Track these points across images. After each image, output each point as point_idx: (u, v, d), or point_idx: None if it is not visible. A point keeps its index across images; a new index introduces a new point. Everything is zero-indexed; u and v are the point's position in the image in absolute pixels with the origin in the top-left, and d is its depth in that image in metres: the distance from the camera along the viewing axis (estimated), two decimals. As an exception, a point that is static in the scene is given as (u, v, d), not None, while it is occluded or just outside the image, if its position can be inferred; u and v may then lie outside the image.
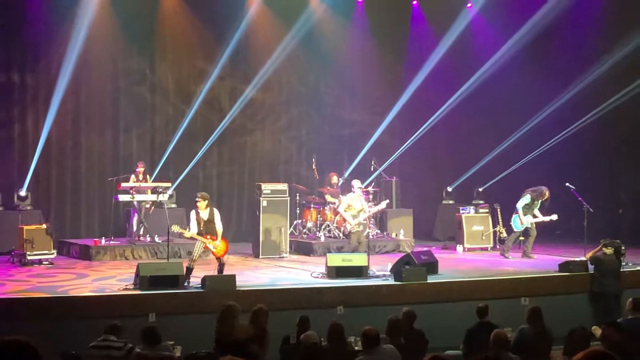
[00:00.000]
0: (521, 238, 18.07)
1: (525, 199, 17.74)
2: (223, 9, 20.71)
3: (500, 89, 21.74)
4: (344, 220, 16.51)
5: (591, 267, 14.95)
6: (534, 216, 17.82)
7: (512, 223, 17.94)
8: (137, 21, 20.22)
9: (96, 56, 19.94)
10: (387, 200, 17.21)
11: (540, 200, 17.79)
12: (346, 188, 20.09)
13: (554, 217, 17.76)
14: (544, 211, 17.85)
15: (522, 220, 17.71)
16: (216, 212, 14.35)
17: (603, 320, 10.75)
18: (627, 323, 10.41)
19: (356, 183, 16.73)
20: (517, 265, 16.80)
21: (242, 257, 18.10)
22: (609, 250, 14.64)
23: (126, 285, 13.39)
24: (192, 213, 14.20)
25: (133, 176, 18.15)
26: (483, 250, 19.47)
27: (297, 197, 19.88)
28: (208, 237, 14.06)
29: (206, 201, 14.22)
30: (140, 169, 18.22)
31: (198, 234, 14.02)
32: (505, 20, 21.60)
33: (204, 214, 14.13)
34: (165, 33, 20.89)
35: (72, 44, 18.89)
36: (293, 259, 18.01)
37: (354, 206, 16.40)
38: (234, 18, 20.66)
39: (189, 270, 13.81)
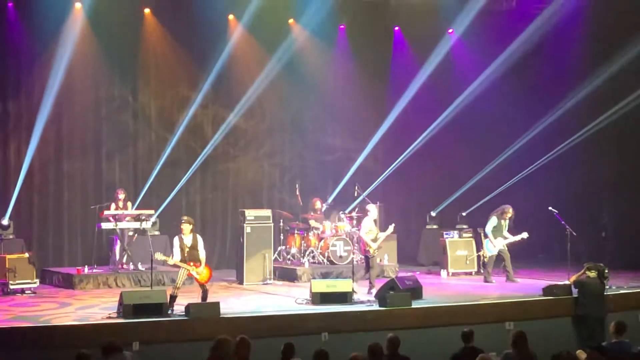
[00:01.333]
0: (503, 263, 18.09)
1: (492, 221, 17.94)
2: (205, 36, 20.72)
3: (482, 113, 21.85)
4: (366, 245, 16.29)
5: (575, 291, 14.96)
6: (505, 237, 17.97)
7: (485, 248, 18.06)
8: (119, 48, 20.22)
9: (78, 83, 19.92)
10: (393, 225, 17.11)
11: (506, 220, 17.98)
12: (330, 213, 20.17)
13: (524, 235, 17.92)
14: (513, 231, 17.98)
15: (494, 244, 17.84)
16: (199, 238, 14.31)
17: (587, 344, 10.78)
18: (612, 346, 10.44)
19: (372, 207, 16.69)
20: (501, 289, 16.81)
21: (226, 284, 18.04)
22: (592, 274, 14.67)
23: (109, 314, 13.31)
24: (176, 239, 14.16)
25: (113, 204, 18.10)
26: (467, 274, 19.47)
27: (281, 223, 19.83)
28: (191, 264, 14.01)
29: (191, 225, 14.20)
30: (121, 197, 18.15)
31: (181, 261, 13.97)
32: (486, 45, 21.70)
33: (188, 240, 14.10)
34: (148, 60, 20.91)
35: (54, 72, 18.89)
36: (277, 285, 17.96)
37: (372, 230, 16.37)
38: (216, 45, 20.70)
39: (173, 297, 13.75)
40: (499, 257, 18.02)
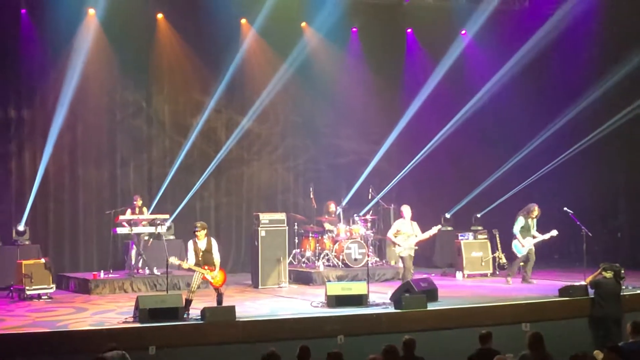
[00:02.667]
0: (521, 263, 18.03)
1: (519, 221, 17.83)
2: (218, 40, 20.81)
3: (496, 114, 21.84)
4: (394, 244, 16.62)
5: (591, 291, 14.91)
6: (534, 237, 17.84)
7: (513, 249, 17.94)
8: (132, 54, 20.29)
9: (92, 90, 20.00)
10: (439, 226, 17.16)
11: (533, 219, 17.86)
12: (345, 216, 20.17)
13: (554, 232, 17.79)
14: (541, 230, 17.88)
15: (522, 244, 17.72)
16: (214, 242, 14.32)
17: (604, 345, 10.72)
18: (629, 347, 10.39)
19: (405, 209, 16.72)
20: (517, 290, 16.76)
21: (241, 288, 18.06)
22: (608, 274, 14.62)
23: (125, 318, 13.34)
24: (190, 243, 14.17)
25: (129, 209, 18.17)
26: (483, 276, 19.42)
27: (296, 227, 19.86)
28: (206, 267, 14.02)
29: (205, 230, 14.19)
30: (137, 202, 18.24)
31: (196, 264, 13.98)
32: (499, 45, 21.71)
33: (202, 244, 14.11)
34: (161, 65, 20.96)
35: (68, 78, 18.98)
36: (292, 289, 17.97)
37: (403, 231, 16.43)
38: (229, 49, 20.77)
39: (188, 302, 13.76)
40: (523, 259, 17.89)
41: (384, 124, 22.53)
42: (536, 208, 17.83)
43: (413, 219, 16.73)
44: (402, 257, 16.54)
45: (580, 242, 17.06)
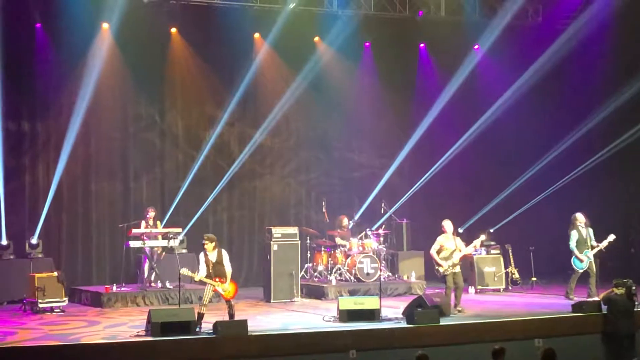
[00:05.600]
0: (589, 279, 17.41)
1: (572, 235, 17.40)
2: (231, 54, 20.91)
3: (509, 129, 21.82)
4: (437, 264, 15.92)
5: (604, 308, 14.86)
6: (592, 248, 17.36)
7: (573, 266, 17.42)
8: (146, 68, 20.34)
9: (106, 103, 20.08)
10: (483, 237, 16.79)
11: (584, 228, 17.41)
12: (357, 231, 20.17)
13: (611, 237, 17.31)
14: (598, 239, 17.45)
15: (580, 258, 17.30)
16: (224, 253, 14.30)
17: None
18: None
19: (446, 223, 16.28)
20: (530, 306, 16.70)
21: (253, 302, 18.06)
22: (619, 291, 14.52)
23: (138, 332, 13.37)
24: (201, 255, 14.17)
25: (143, 222, 18.22)
26: (495, 291, 19.38)
27: (308, 241, 19.84)
28: (217, 279, 14.00)
29: (213, 243, 14.17)
30: (151, 214, 18.27)
31: (207, 276, 13.97)
32: (512, 61, 21.69)
33: (212, 256, 14.10)
34: (175, 79, 21.04)
35: (82, 91, 19.09)
36: (304, 303, 17.95)
37: (446, 247, 15.99)
38: (242, 63, 20.85)
39: (200, 315, 13.76)
40: (585, 273, 17.38)
41: (397, 139, 22.54)
42: (578, 215, 17.45)
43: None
44: (445, 276, 15.93)
45: (595, 257, 17.00)
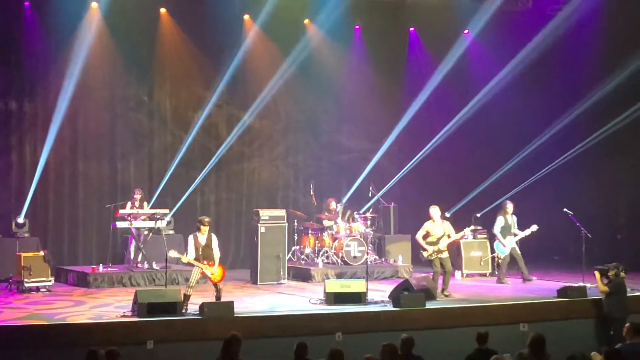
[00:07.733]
0: (517, 265, 18.05)
1: (498, 221, 18.11)
2: (221, 36, 20.81)
3: (498, 113, 21.82)
4: (422, 248, 16.06)
5: (590, 293, 14.89)
6: (515, 235, 18.05)
7: (495, 249, 18.15)
8: (135, 48, 20.28)
9: (94, 83, 20.00)
10: (472, 227, 17.43)
11: (511, 216, 18.11)
12: (344, 214, 20.15)
13: (534, 228, 17.96)
14: (521, 227, 18.06)
15: (503, 243, 17.94)
16: (214, 237, 14.31)
17: (603, 346, 10.68)
18: (628, 348, 10.34)
19: (434, 210, 16.26)
20: (515, 291, 16.77)
21: (240, 284, 18.05)
22: (622, 274, 14.49)
23: (124, 313, 13.35)
24: (190, 238, 14.14)
25: (129, 203, 18.16)
26: (481, 275, 19.44)
27: (295, 223, 19.85)
28: (205, 262, 14.00)
29: (208, 227, 14.19)
30: (137, 196, 18.21)
31: (195, 259, 13.97)
32: (502, 45, 21.68)
33: (203, 239, 14.09)
34: (163, 60, 20.95)
35: (70, 71, 18.98)
36: (291, 285, 17.96)
37: (433, 233, 16.01)
38: (231, 45, 20.78)
39: (187, 296, 13.76)
40: (512, 259, 17.97)
41: (386, 122, 22.52)
42: (509, 204, 18.19)
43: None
44: (431, 261, 16.08)
45: (580, 243, 17.06)
